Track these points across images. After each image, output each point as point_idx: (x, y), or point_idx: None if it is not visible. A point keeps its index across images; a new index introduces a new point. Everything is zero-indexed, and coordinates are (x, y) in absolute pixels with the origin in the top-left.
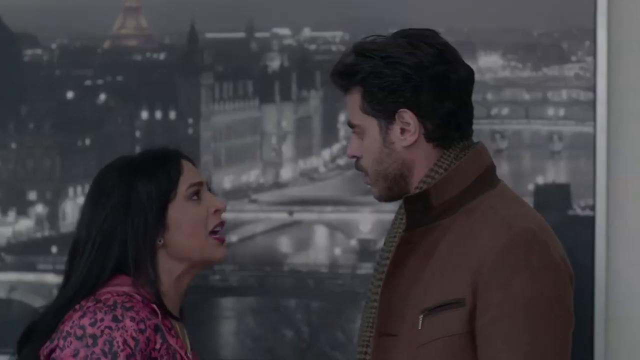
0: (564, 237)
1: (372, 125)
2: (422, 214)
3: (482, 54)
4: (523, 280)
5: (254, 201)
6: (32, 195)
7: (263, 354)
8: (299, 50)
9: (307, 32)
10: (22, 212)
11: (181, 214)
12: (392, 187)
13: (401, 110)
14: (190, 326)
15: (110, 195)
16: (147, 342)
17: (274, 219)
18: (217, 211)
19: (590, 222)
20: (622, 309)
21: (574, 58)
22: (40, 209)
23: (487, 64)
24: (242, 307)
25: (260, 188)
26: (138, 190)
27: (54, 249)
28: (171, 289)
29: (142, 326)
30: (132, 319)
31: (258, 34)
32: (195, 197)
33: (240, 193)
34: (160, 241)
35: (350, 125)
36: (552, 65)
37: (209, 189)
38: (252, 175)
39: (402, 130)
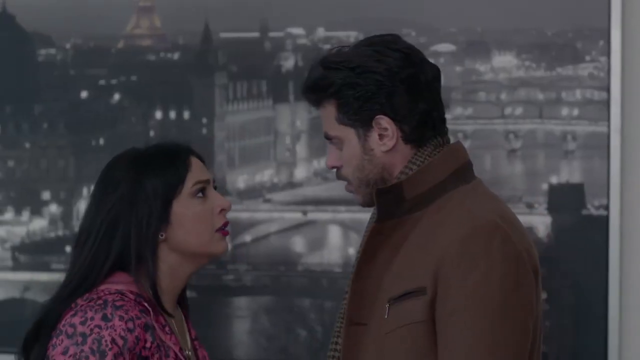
0: (578, 237)
1: (349, 134)
2: (394, 206)
3: (496, 53)
4: (482, 270)
5: (268, 201)
6: (46, 195)
7: (277, 354)
8: (312, 50)
9: (321, 32)
10: (36, 211)
11: (185, 210)
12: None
13: (377, 116)
14: (205, 325)
15: (118, 186)
16: (136, 341)
17: (288, 219)
18: (223, 210)
19: (604, 221)
20: (636, 307)
21: (587, 58)
22: (54, 208)
23: (501, 64)
24: (256, 307)
25: (274, 188)
26: (145, 184)
27: (67, 249)
28: (169, 283)
29: (130, 325)
30: (121, 318)
31: (272, 34)
32: (200, 195)
33: (254, 193)
34: (162, 235)
35: (327, 137)
36: (566, 65)
37: (215, 187)
38: (266, 175)
39: (381, 136)
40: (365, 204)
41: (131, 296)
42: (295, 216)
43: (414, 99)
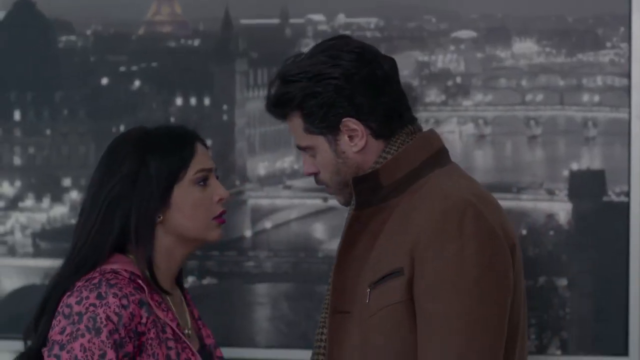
0: (599, 223)
1: (320, 142)
2: (371, 194)
3: (516, 40)
4: (455, 247)
5: (288, 187)
6: (67, 182)
7: (297, 340)
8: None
9: (341, 19)
10: (57, 198)
11: (185, 195)
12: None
13: (344, 119)
14: (225, 312)
15: (122, 164)
16: (131, 317)
17: (308, 205)
18: (221, 199)
19: (625, 208)
20: None
21: (608, 44)
22: (74, 195)
23: (521, 50)
24: (276, 293)
25: (294, 174)
26: (149, 165)
27: None
28: (165, 263)
29: (125, 302)
30: (115, 295)
31: (292, 20)
32: (202, 183)
33: (274, 179)
34: (159, 217)
35: (299, 147)
36: (587, 52)
37: (217, 177)
38: (286, 162)
39: (350, 137)
40: (347, 204)
41: (125, 274)
42: (316, 203)
43: (375, 95)
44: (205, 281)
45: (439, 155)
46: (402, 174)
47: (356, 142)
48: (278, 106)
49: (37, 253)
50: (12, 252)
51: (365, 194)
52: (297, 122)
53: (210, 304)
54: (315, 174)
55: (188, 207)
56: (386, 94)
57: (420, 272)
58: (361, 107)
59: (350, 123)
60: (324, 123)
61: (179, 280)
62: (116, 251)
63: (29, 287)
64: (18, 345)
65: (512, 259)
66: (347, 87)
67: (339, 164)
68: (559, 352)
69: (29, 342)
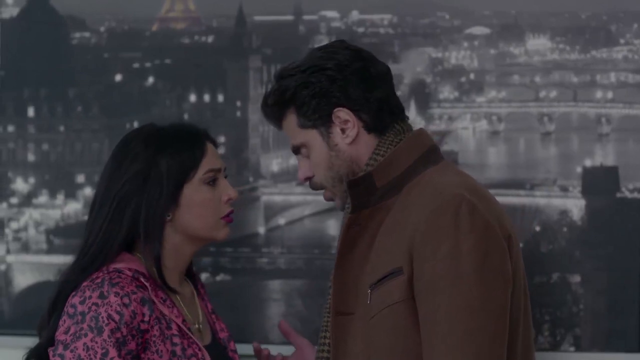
0: (612, 220)
1: (313, 136)
2: (366, 196)
3: (530, 36)
4: (451, 242)
5: (302, 184)
6: (81, 178)
7: (311, 336)
8: (346, 33)
9: (355, 15)
10: (71, 195)
11: (195, 194)
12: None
13: (336, 109)
14: (239, 308)
15: (133, 161)
16: (133, 315)
17: (322, 202)
18: (229, 199)
19: (638, 204)
20: None
21: (622, 41)
22: (88, 191)
23: (535, 47)
24: (290, 290)
25: None
26: (160, 163)
27: None
28: (173, 261)
29: (126, 300)
30: (117, 294)
31: (306, 17)
32: (211, 182)
33: (288, 176)
34: (168, 216)
35: (295, 149)
36: (601, 48)
37: (225, 176)
38: None
39: (343, 130)
40: (344, 207)
41: (128, 273)
42: None
43: (368, 88)
44: (219, 278)
45: (431, 154)
46: (396, 174)
47: (348, 133)
48: (273, 104)
49: (51, 249)
50: (25, 248)
51: (361, 196)
52: (291, 119)
53: (223, 300)
54: (311, 179)
55: (197, 207)
56: (378, 89)
57: (419, 269)
58: (353, 97)
59: (342, 113)
60: (317, 114)
61: (189, 274)
62: (124, 249)
63: (43, 283)
64: (32, 342)
65: (509, 250)
66: (339, 77)
67: (332, 157)
68: (572, 348)
69: (40, 338)
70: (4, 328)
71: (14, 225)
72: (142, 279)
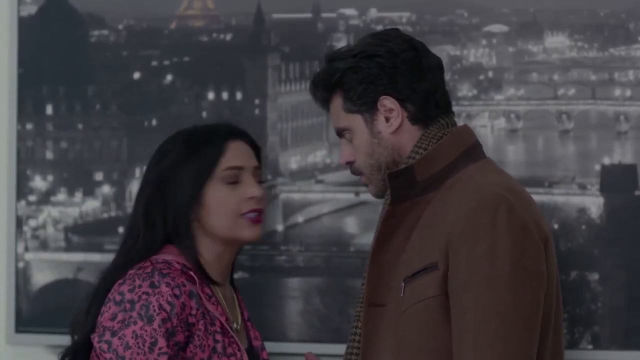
0: (631, 218)
1: (357, 121)
2: (406, 189)
3: (548, 34)
4: (488, 242)
5: (320, 182)
6: (99, 176)
7: (330, 335)
8: (365, 31)
9: (373, 13)
10: (89, 192)
11: (215, 194)
12: (386, 178)
13: (382, 97)
14: (258, 306)
15: (161, 160)
16: (183, 307)
17: (340, 200)
18: (253, 197)
19: None
20: None
21: None
22: (106, 189)
23: (553, 45)
24: (308, 288)
25: (326, 169)
26: (178, 166)
27: (120, 230)
28: (210, 258)
29: (177, 292)
30: (168, 285)
31: (324, 15)
32: (232, 181)
33: (306, 173)
34: (193, 216)
35: (338, 132)
36: (619, 46)
37: (260, 177)
38: (318, 156)
39: (387, 118)
40: (378, 194)
41: (177, 266)
42: (348, 197)
43: (416, 79)
44: (237, 275)
45: (472, 151)
46: (437, 170)
47: (392, 122)
48: (322, 84)
49: (69, 247)
50: (44, 246)
51: (401, 189)
52: (337, 102)
53: (242, 298)
54: (352, 163)
55: (215, 205)
56: (427, 81)
57: (454, 266)
58: (400, 87)
59: (388, 101)
60: (362, 100)
61: (231, 281)
62: (168, 242)
63: (61, 281)
64: (51, 340)
65: (545, 252)
66: (389, 65)
67: (373, 144)
68: (590, 346)
69: (75, 337)
70: (23, 325)
71: (32, 223)
72: (191, 273)
